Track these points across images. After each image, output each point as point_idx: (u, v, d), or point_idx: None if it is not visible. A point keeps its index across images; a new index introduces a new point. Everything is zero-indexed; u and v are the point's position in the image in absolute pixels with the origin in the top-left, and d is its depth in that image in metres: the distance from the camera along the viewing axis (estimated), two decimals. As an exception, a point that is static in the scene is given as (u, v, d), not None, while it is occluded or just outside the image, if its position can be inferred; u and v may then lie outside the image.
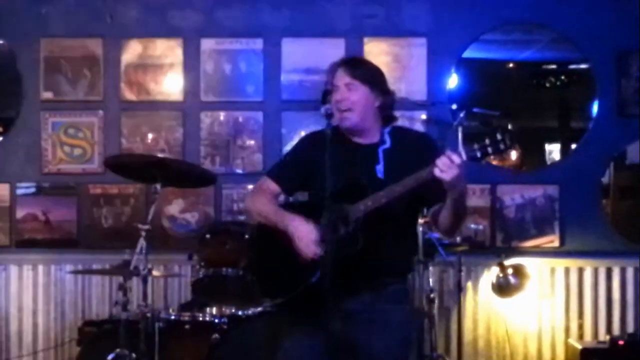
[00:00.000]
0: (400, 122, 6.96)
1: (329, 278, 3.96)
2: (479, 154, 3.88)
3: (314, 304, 4.04)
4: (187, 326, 5.89)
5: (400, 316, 4.30)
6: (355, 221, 4.05)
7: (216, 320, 5.83)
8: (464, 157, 3.86)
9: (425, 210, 4.39)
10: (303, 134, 4.94)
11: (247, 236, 4.49)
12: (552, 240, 7.11)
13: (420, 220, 5.99)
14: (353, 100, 4.22)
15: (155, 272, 5.91)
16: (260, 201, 4.36)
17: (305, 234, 4.09)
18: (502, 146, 3.86)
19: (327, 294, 3.96)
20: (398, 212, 4.18)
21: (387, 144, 4.21)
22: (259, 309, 5.78)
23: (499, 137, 3.86)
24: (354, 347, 4.11)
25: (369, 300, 4.16)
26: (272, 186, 4.39)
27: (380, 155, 4.19)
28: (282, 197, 4.53)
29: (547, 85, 7.42)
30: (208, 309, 5.93)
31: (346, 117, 4.21)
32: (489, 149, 3.86)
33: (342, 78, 4.25)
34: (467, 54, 7.20)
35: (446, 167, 3.83)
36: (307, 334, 4.20)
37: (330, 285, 3.94)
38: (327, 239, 4.05)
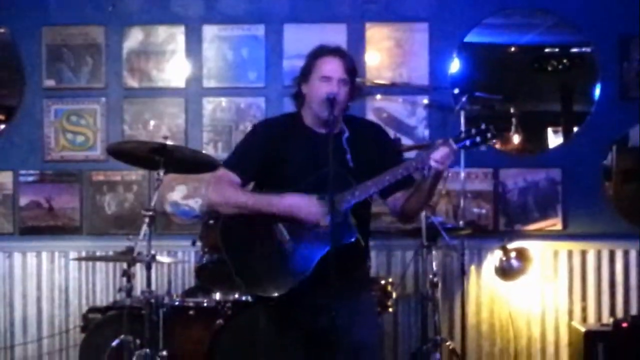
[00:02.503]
0: (399, 107, 7.11)
1: (324, 271, 4.00)
2: (468, 143, 4.04)
3: (300, 298, 4.13)
4: (191, 312, 5.92)
5: (371, 302, 4.55)
6: (345, 211, 4.08)
7: (220, 306, 5.85)
8: (455, 147, 4.02)
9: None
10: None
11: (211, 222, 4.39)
12: (554, 224, 7.12)
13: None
14: (343, 95, 4.24)
15: (158, 258, 5.92)
16: (230, 191, 4.24)
17: (307, 204, 4.11)
18: (489, 135, 4.03)
19: (319, 287, 4.01)
20: (366, 202, 4.27)
21: (347, 133, 4.21)
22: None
23: (483, 126, 4.04)
24: (337, 338, 4.10)
25: (349, 290, 4.17)
26: (234, 177, 4.27)
27: (345, 144, 4.18)
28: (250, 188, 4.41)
29: (549, 69, 7.40)
30: (212, 295, 5.93)
31: (330, 110, 4.16)
32: (478, 138, 4.03)
33: (337, 71, 4.25)
34: (469, 38, 7.20)
35: (443, 158, 3.99)
36: (288, 331, 4.27)
37: (324, 278, 3.97)
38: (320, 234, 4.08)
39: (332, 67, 4.25)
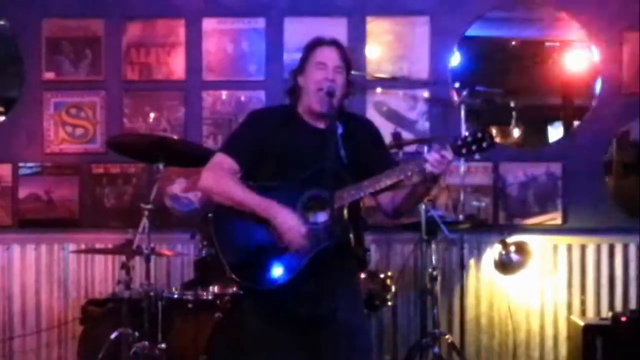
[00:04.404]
0: (400, 101, 7.09)
1: (317, 265, 4.04)
2: (464, 151, 4.02)
3: (291, 290, 4.11)
4: (190, 305, 5.89)
5: (359, 288, 4.50)
6: (339, 209, 4.06)
7: (219, 299, 5.83)
8: (451, 154, 4.00)
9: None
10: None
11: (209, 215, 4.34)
12: (554, 218, 7.11)
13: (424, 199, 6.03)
14: (338, 84, 4.23)
15: (157, 251, 5.92)
16: (226, 181, 4.20)
17: (293, 227, 4.05)
18: (484, 144, 4.01)
19: (311, 281, 4.05)
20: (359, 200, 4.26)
21: (341, 129, 4.18)
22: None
23: (479, 135, 4.01)
24: (329, 325, 4.10)
25: (341, 282, 4.14)
26: (231, 164, 4.23)
27: (339, 141, 4.16)
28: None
29: (550, 62, 7.39)
30: (211, 288, 5.90)
31: (326, 100, 4.17)
32: (474, 147, 4.01)
33: (333, 59, 4.25)
34: (470, 32, 7.18)
35: (437, 162, 3.97)
36: (279, 323, 4.23)
37: (316, 272, 4.02)
38: (313, 231, 4.06)
39: (327, 55, 4.25)
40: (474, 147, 4.02)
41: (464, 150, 4.02)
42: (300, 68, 4.31)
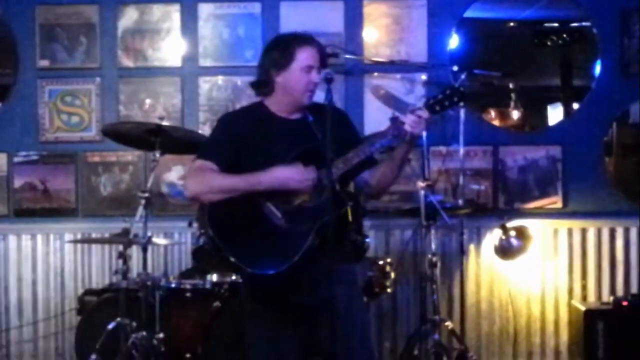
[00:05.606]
0: (398, 85, 7.04)
1: (314, 252, 4.08)
2: (438, 108, 4.23)
3: (297, 273, 4.12)
4: (188, 294, 5.90)
5: (356, 270, 4.58)
6: (332, 184, 4.08)
7: (217, 288, 5.81)
8: (426, 113, 4.19)
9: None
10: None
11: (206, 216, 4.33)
12: (554, 202, 7.07)
13: (422, 184, 5.99)
14: (318, 83, 4.34)
15: (155, 240, 5.90)
16: (211, 177, 4.22)
17: (293, 171, 4.14)
18: (456, 99, 4.24)
19: (316, 261, 4.08)
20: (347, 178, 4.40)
21: (311, 118, 4.31)
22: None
23: (448, 92, 4.23)
24: (327, 311, 4.06)
25: (342, 269, 4.21)
26: (211, 166, 4.25)
27: (313, 127, 4.26)
28: None
29: (549, 44, 7.34)
30: (209, 277, 5.90)
31: (311, 97, 4.34)
32: (446, 102, 4.22)
33: (317, 60, 4.34)
34: (468, 13, 7.13)
35: (415, 123, 4.16)
36: (283, 307, 4.27)
37: (318, 251, 4.08)
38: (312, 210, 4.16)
39: (313, 57, 4.33)
40: (446, 103, 4.21)
41: (437, 107, 4.22)
42: (282, 66, 4.32)
